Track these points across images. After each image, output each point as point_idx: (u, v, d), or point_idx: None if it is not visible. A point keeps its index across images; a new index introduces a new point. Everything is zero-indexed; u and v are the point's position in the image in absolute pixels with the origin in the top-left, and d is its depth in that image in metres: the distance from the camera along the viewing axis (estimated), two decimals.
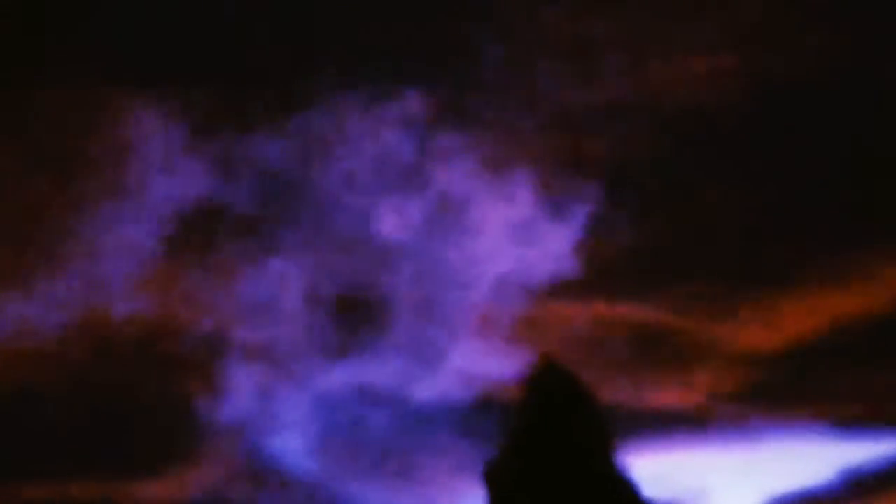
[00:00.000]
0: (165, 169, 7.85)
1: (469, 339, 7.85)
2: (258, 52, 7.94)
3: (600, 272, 7.94)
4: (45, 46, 7.73)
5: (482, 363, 7.75)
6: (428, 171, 7.96)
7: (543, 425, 4.83)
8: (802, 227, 8.05)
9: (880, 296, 7.91)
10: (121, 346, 7.85)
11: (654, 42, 8.12)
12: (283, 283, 7.92)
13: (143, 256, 7.84)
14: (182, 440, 7.79)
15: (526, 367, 5.78)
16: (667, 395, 7.90)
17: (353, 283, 7.96)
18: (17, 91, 7.75)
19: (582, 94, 8.13)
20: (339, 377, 7.87)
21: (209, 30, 7.92)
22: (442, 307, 7.90)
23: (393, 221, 7.93)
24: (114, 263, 7.83)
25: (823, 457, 7.78)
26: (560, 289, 7.88)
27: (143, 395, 7.89)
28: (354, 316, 7.91)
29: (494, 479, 4.52)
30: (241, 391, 7.81)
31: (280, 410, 7.83)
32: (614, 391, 7.51)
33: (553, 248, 7.90)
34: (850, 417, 7.83)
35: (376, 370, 7.83)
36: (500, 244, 7.95)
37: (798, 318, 7.96)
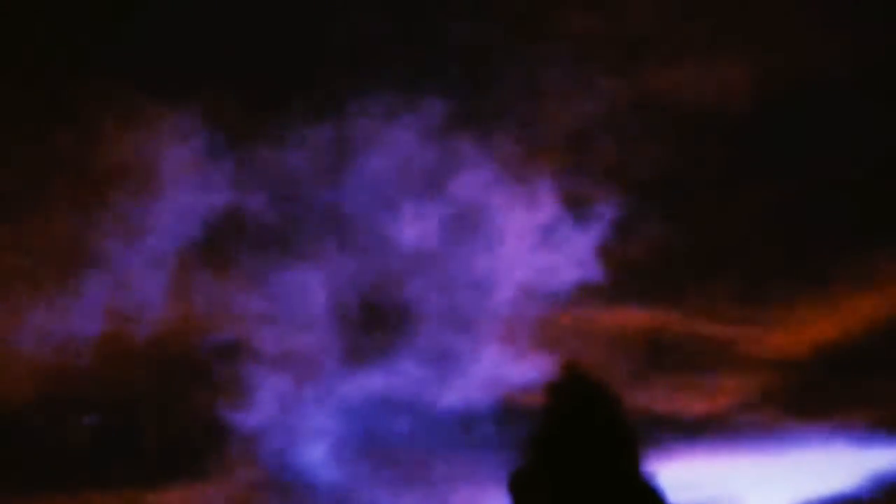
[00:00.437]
0: (189, 177, 7.85)
1: (493, 345, 7.80)
2: (279, 60, 7.93)
3: (624, 277, 7.88)
4: (71, 56, 7.74)
5: (506, 370, 7.70)
6: (449, 177, 7.92)
7: (568, 432, 4.76)
8: (828, 229, 7.97)
9: None
10: (143, 356, 7.85)
11: (676, 46, 8.06)
12: (305, 291, 7.90)
13: (166, 265, 7.84)
14: (205, 449, 7.77)
15: (550, 374, 5.72)
16: (693, 401, 7.82)
17: (376, 290, 7.93)
18: (44, 99, 7.78)
19: (603, 98, 8.08)
20: (362, 385, 7.84)
21: (231, 38, 7.91)
22: (465, 314, 7.86)
23: (415, 228, 7.89)
24: (137, 272, 7.83)
25: (852, 462, 7.69)
26: (584, 294, 7.82)
27: (166, 404, 7.88)
28: (377, 323, 7.88)
29: (519, 488, 4.45)
30: (264, 400, 7.78)
31: (303, 419, 7.80)
32: (640, 397, 7.45)
33: (576, 253, 7.84)
34: (879, 422, 7.73)
35: (399, 378, 7.79)
36: (522, 250, 7.90)
37: (826, 321, 7.87)
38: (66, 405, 7.75)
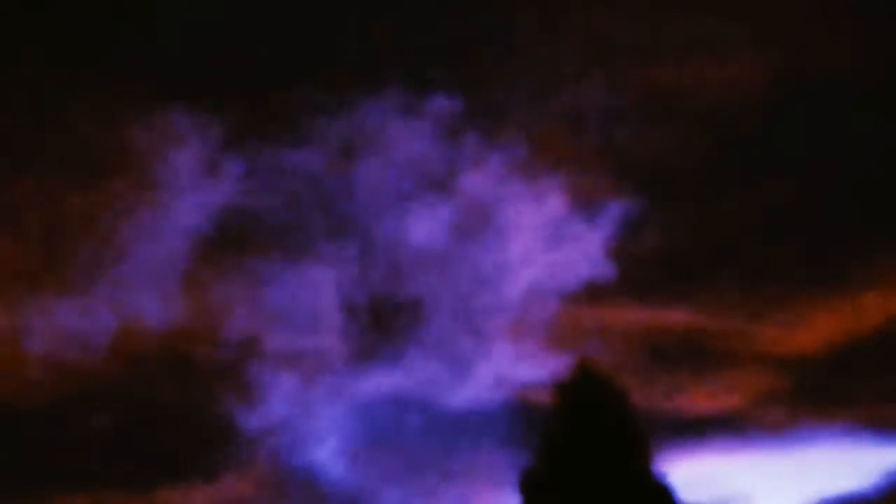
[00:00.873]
0: (200, 178, 7.86)
1: (503, 343, 7.80)
2: (287, 61, 7.94)
3: (635, 275, 7.88)
4: (81, 58, 7.76)
5: (516, 368, 7.70)
6: (459, 175, 7.93)
7: (578, 430, 4.76)
8: (838, 228, 7.96)
9: None
10: (155, 355, 7.87)
11: (684, 45, 8.06)
12: (316, 290, 7.91)
13: (177, 265, 7.86)
14: (217, 448, 7.79)
15: (560, 372, 5.73)
16: (705, 399, 7.82)
17: (387, 288, 7.93)
18: (55, 101, 7.80)
19: (612, 98, 8.07)
20: (372, 384, 7.85)
21: (240, 40, 7.93)
22: (475, 312, 7.86)
23: (425, 227, 7.90)
24: (148, 273, 7.85)
25: (865, 460, 7.67)
26: (593, 292, 7.82)
27: (178, 403, 7.90)
28: (387, 322, 7.89)
29: (530, 486, 4.46)
30: (275, 399, 7.80)
31: (314, 417, 7.81)
32: (651, 395, 7.45)
33: (586, 251, 7.84)
34: (890, 420, 7.71)
35: (410, 376, 7.80)
36: (532, 248, 7.90)
37: (836, 319, 7.86)
38: (79, 405, 7.78)
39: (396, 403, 7.84)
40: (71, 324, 7.78)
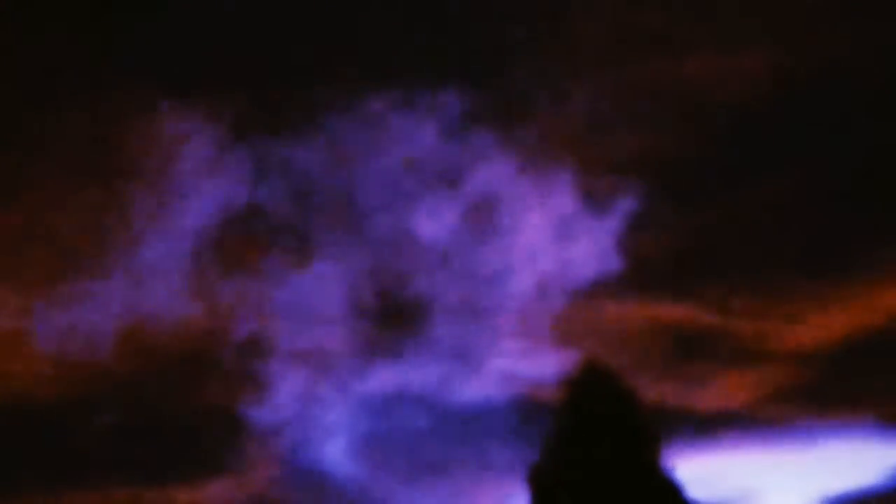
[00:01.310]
0: (206, 176, 7.86)
1: (510, 340, 7.79)
2: (294, 56, 7.93)
3: (643, 271, 7.85)
4: (89, 56, 7.77)
5: (524, 364, 7.68)
6: (465, 171, 7.91)
7: (586, 427, 4.74)
8: (847, 224, 7.92)
9: None
10: (165, 353, 7.87)
11: (692, 40, 8.03)
12: (323, 287, 7.90)
13: (185, 263, 7.86)
14: (226, 444, 7.79)
15: (568, 369, 5.71)
16: (714, 396, 7.79)
17: (394, 285, 7.92)
18: (63, 99, 7.81)
19: (621, 92, 8.05)
20: (380, 380, 7.84)
21: (249, 36, 7.92)
22: (482, 308, 7.85)
23: (432, 223, 7.88)
24: (157, 271, 7.86)
25: (875, 456, 7.64)
26: (602, 288, 7.80)
27: (187, 400, 7.90)
28: (395, 319, 7.88)
29: (539, 483, 4.44)
30: (283, 396, 7.80)
31: (322, 415, 7.81)
32: (659, 392, 7.42)
33: (594, 247, 7.82)
34: None
35: (417, 372, 7.79)
36: (539, 244, 7.88)
37: (845, 315, 7.83)
38: (88, 403, 7.79)
39: (404, 400, 7.83)
40: (79, 322, 7.78)
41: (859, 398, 7.76)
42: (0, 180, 7.76)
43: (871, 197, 7.93)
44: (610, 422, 4.93)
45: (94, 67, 7.76)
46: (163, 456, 7.74)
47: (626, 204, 7.86)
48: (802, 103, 7.98)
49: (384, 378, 7.84)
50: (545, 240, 7.89)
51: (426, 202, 7.91)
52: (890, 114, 7.90)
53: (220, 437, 7.77)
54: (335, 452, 7.79)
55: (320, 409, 7.82)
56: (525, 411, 7.57)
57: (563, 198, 7.89)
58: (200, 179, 7.89)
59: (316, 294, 7.91)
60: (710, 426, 7.67)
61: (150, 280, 7.83)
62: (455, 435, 7.71)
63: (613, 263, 7.81)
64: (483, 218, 7.93)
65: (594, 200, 7.90)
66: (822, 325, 7.87)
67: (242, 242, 7.99)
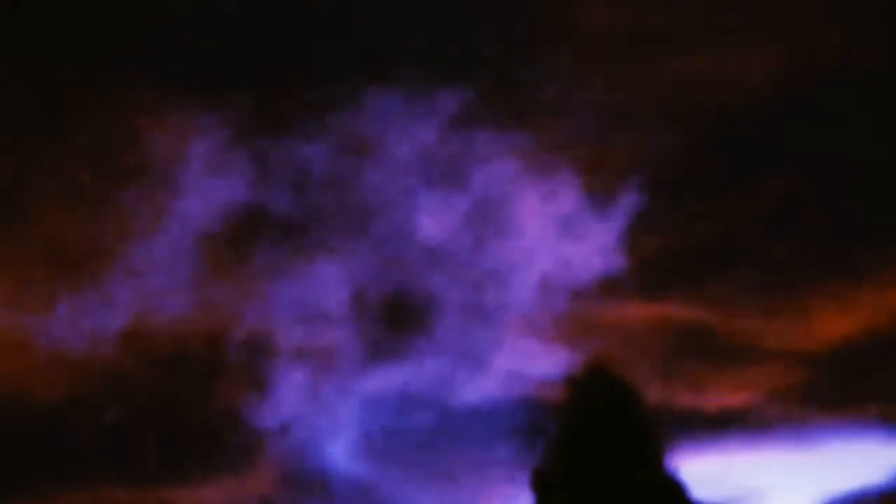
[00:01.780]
0: (210, 174, 7.86)
1: (514, 339, 7.77)
2: (294, 54, 7.92)
3: (647, 270, 7.83)
4: (91, 56, 7.77)
5: (528, 364, 7.67)
6: (470, 170, 7.89)
7: (590, 428, 4.72)
8: (852, 223, 7.90)
9: None
10: (165, 352, 7.87)
11: (695, 40, 8.02)
12: (325, 286, 7.89)
13: (188, 263, 7.85)
14: (227, 446, 7.78)
15: (572, 368, 5.69)
16: (718, 396, 7.77)
17: (396, 284, 7.91)
18: (66, 99, 7.81)
19: (623, 91, 8.04)
20: (383, 380, 7.82)
21: (251, 34, 7.91)
22: (486, 308, 7.83)
23: (434, 222, 7.87)
24: (156, 270, 7.85)
25: (879, 456, 7.62)
26: (605, 287, 7.78)
27: (187, 400, 7.89)
28: (398, 318, 7.87)
29: (543, 483, 4.42)
30: (286, 396, 7.78)
31: (325, 414, 7.80)
32: (663, 392, 7.41)
33: (597, 246, 7.79)
34: None
35: (422, 372, 7.77)
36: (543, 243, 7.86)
37: (851, 315, 7.80)
38: (89, 402, 7.78)
39: (408, 399, 7.82)
40: (81, 320, 7.78)
41: (864, 398, 7.73)
42: (0, 181, 7.77)
43: (877, 197, 7.91)
44: (615, 421, 4.91)
45: (95, 68, 7.76)
46: (165, 456, 7.73)
47: (629, 203, 7.84)
48: (812, 101, 7.96)
49: (388, 378, 7.83)
50: (549, 238, 7.87)
51: (430, 201, 7.90)
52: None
53: (223, 438, 7.76)
54: (338, 452, 7.78)
55: (324, 409, 7.81)
56: (530, 411, 7.55)
57: (567, 197, 7.87)
58: (203, 179, 7.88)
59: (319, 293, 7.90)
60: (715, 426, 7.65)
61: (152, 279, 7.82)
62: (459, 434, 7.70)
63: (617, 263, 7.79)
64: (486, 217, 7.92)
65: (598, 200, 7.89)
66: (829, 324, 7.85)
67: (245, 242, 7.99)
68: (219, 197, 7.87)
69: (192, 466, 7.75)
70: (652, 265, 7.88)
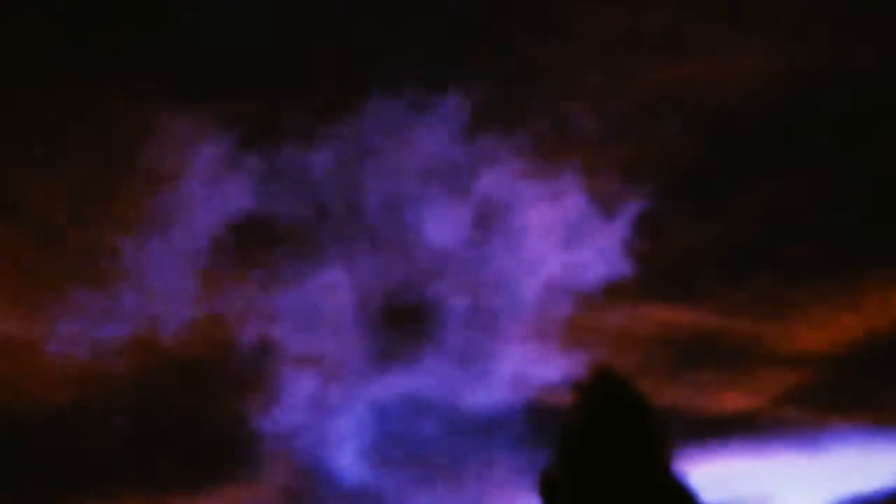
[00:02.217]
0: (214, 180, 7.85)
1: (520, 344, 7.76)
2: (300, 61, 7.92)
3: (653, 274, 7.81)
4: (92, 62, 7.77)
5: (534, 369, 7.65)
6: (474, 174, 7.88)
7: (598, 432, 4.70)
8: (860, 224, 7.87)
9: None
10: (172, 359, 7.86)
11: (700, 42, 8.00)
12: (332, 292, 7.89)
13: (193, 269, 7.85)
14: (234, 453, 7.77)
15: (579, 373, 5.68)
16: (726, 400, 7.75)
17: (402, 290, 7.90)
18: (67, 106, 7.81)
19: (630, 93, 8.02)
20: (389, 386, 7.81)
21: (251, 38, 7.91)
22: (492, 313, 7.82)
23: (440, 227, 7.86)
24: (162, 277, 7.85)
25: (888, 460, 7.59)
26: (612, 292, 7.76)
27: (197, 407, 7.89)
28: (404, 324, 7.86)
29: (549, 490, 4.40)
30: (292, 402, 7.78)
31: (332, 421, 7.79)
32: (671, 396, 7.39)
33: (604, 250, 7.78)
34: None
35: (428, 378, 7.76)
36: (549, 247, 7.85)
37: (859, 317, 7.77)
38: (97, 410, 7.78)
39: (414, 405, 7.81)
40: (89, 328, 7.78)
41: (873, 401, 7.70)
42: (6, 188, 7.77)
43: (884, 200, 7.88)
44: (621, 426, 4.90)
45: (100, 74, 7.77)
46: (173, 463, 7.73)
47: (636, 206, 7.83)
48: (813, 106, 7.94)
49: (394, 384, 7.81)
50: (555, 243, 7.86)
51: (435, 206, 7.89)
52: None
53: (232, 444, 7.75)
54: (346, 458, 7.77)
55: (331, 416, 7.80)
56: (536, 416, 7.54)
57: (573, 200, 7.86)
58: (209, 186, 7.88)
59: (325, 299, 7.90)
60: (723, 430, 7.63)
61: (159, 286, 7.82)
62: (466, 439, 7.68)
63: (623, 267, 7.77)
64: (492, 221, 7.91)
65: (603, 204, 7.87)
66: (835, 327, 7.82)
67: (252, 248, 7.99)
68: (225, 204, 7.88)
69: (202, 473, 7.75)
70: (659, 270, 7.86)
